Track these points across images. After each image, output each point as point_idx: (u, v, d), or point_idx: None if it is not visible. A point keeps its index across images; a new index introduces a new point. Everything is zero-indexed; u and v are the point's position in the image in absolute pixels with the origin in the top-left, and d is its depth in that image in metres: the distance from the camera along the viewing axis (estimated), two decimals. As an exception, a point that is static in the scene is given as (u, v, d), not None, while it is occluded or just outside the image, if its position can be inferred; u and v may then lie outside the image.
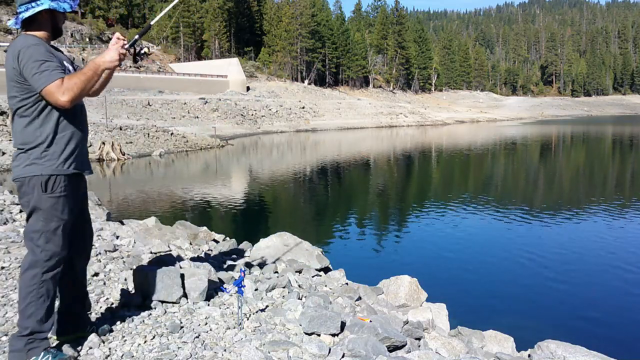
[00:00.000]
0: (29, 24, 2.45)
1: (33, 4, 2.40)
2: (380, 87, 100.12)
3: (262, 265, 4.62)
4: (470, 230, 11.76)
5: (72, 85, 2.32)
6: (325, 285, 4.45)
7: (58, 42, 62.11)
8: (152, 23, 2.78)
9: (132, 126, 32.08)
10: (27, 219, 2.47)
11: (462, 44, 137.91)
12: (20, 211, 5.84)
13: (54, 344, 2.62)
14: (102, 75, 2.51)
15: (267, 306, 3.47)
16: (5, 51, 2.47)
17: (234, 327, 3.04)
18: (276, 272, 4.49)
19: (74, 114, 2.52)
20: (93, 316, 3.05)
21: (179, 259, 4.24)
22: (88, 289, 3.47)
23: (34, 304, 2.38)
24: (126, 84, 52.74)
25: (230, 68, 65.90)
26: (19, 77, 2.34)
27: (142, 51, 2.66)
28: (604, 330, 6.48)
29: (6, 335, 2.71)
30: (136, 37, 2.62)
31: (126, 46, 2.53)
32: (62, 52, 2.61)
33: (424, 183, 21.46)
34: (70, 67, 2.56)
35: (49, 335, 2.51)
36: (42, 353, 2.38)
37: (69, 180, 2.49)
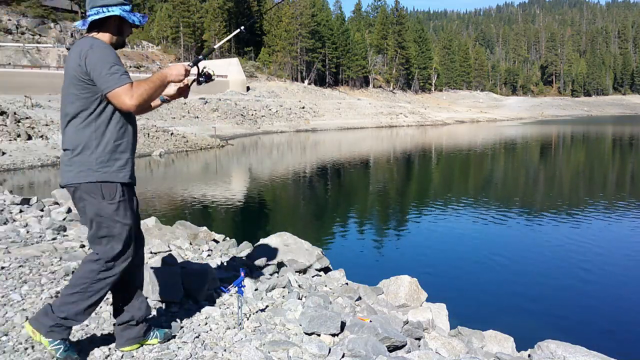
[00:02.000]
0: (96, 28, 2.44)
1: (104, 9, 2.39)
2: (380, 87, 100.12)
3: (262, 265, 4.62)
4: (470, 231, 11.76)
5: (141, 91, 2.31)
6: (325, 285, 4.45)
7: (58, 43, 62.25)
8: (215, 47, 3.17)
9: (132, 126, 32.03)
10: (90, 226, 2.44)
11: (462, 44, 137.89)
12: (21, 211, 5.85)
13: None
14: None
15: (267, 306, 3.47)
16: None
17: (234, 327, 3.04)
18: (276, 272, 4.49)
19: (130, 123, 2.51)
20: (93, 316, 3.04)
21: (179, 259, 4.24)
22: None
23: (80, 295, 2.38)
24: (126, 84, 52.63)
25: (230, 68, 65.87)
26: (84, 75, 2.31)
27: (206, 71, 2.73)
28: (604, 330, 6.47)
29: (6, 335, 2.71)
30: (200, 57, 2.72)
31: (190, 64, 2.64)
32: None
33: (424, 183, 21.46)
34: None
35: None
36: (59, 341, 2.40)
37: (124, 188, 2.48)
